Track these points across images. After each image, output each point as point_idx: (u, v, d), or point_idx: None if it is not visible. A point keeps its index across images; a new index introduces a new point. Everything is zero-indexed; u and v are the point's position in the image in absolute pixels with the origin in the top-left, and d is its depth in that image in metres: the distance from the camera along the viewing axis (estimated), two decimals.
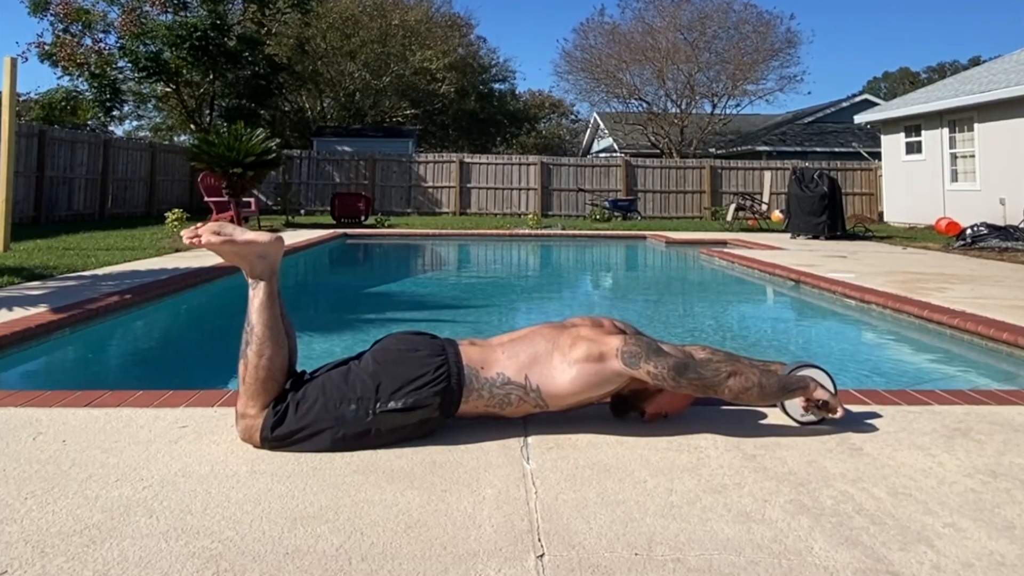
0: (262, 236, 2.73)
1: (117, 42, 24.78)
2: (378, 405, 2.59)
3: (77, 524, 2.03)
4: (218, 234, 2.66)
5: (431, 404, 2.62)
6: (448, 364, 2.67)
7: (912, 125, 18.50)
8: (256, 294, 2.68)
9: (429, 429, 2.70)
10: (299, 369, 2.81)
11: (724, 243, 13.69)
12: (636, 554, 1.91)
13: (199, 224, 2.73)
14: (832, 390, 2.86)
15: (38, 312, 5.26)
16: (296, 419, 2.58)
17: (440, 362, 2.67)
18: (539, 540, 1.98)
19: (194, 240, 2.65)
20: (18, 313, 5.22)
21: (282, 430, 2.57)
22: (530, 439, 2.74)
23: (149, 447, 2.62)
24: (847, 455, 2.63)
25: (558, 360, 2.69)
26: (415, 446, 2.63)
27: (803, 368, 2.92)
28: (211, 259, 8.22)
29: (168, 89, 27.01)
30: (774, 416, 3.02)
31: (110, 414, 2.98)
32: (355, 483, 2.34)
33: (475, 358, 2.72)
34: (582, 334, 2.75)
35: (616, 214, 21.42)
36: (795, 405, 2.90)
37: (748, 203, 18.89)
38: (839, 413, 2.84)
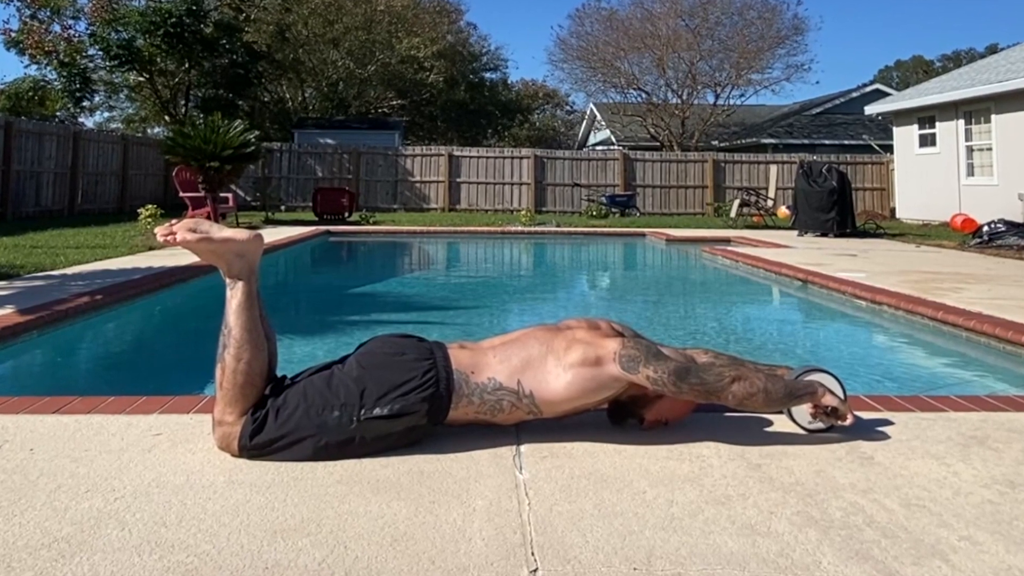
0: (240, 233, 2.73)
1: (87, 29, 24.75)
2: (363, 412, 2.58)
3: (45, 537, 2.03)
4: (194, 231, 2.65)
5: (418, 411, 2.62)
6: (436, 368, 2.67)
7: (926, 116, 18.57)
8: (234, 295, 2.67)
9: (416, 437, 2.70)
10: (279, 374, 2.81)
11: (727, 241, 13.74)
12: (635, 569, 1.91)
13: (174, 221, 2.73)
14: (841, 396, 2.87)
15: (4, 313, 5.23)
16: (276, 426, 2.57)
17: (428, 366, 2.67)
18: (532, 554, 1.98)
19: (169, 238, 2.64)
20: None
21: (261, 438, 2.56)
22: (523, 447, 2.74)
23: (121, 456, 2.62)
24: (857, 464, 2.64)
25: (552, 364, 2.69)
26: (402, 455, 2.63)
27: (811, 373, 2.93)
28: (187, 258, 8.18)
29: (141, 78, 26.89)
30: (780, 423, 3.02)
31: (80, 421, 2.97)
32: (338, 494, 2.33)
33: (465, 362, 2.71)
34: (578, 337, 2.75)
35: (614, 210, 21.47)
36: (802, 412, 2.90)
37: (753, 199, 18.95)
38: (849, 420, 2.84)
